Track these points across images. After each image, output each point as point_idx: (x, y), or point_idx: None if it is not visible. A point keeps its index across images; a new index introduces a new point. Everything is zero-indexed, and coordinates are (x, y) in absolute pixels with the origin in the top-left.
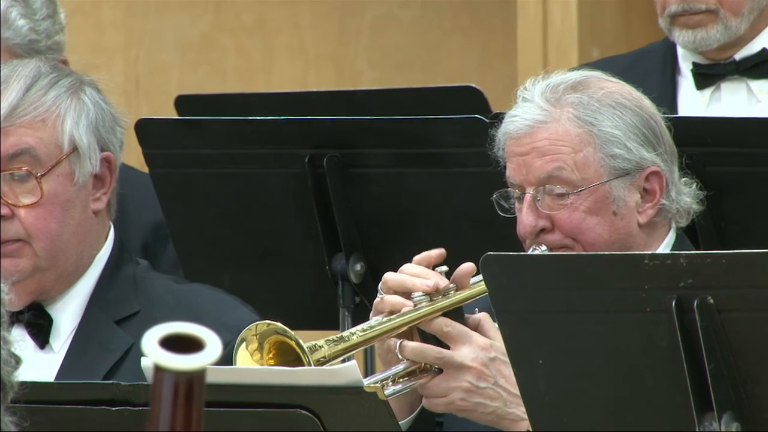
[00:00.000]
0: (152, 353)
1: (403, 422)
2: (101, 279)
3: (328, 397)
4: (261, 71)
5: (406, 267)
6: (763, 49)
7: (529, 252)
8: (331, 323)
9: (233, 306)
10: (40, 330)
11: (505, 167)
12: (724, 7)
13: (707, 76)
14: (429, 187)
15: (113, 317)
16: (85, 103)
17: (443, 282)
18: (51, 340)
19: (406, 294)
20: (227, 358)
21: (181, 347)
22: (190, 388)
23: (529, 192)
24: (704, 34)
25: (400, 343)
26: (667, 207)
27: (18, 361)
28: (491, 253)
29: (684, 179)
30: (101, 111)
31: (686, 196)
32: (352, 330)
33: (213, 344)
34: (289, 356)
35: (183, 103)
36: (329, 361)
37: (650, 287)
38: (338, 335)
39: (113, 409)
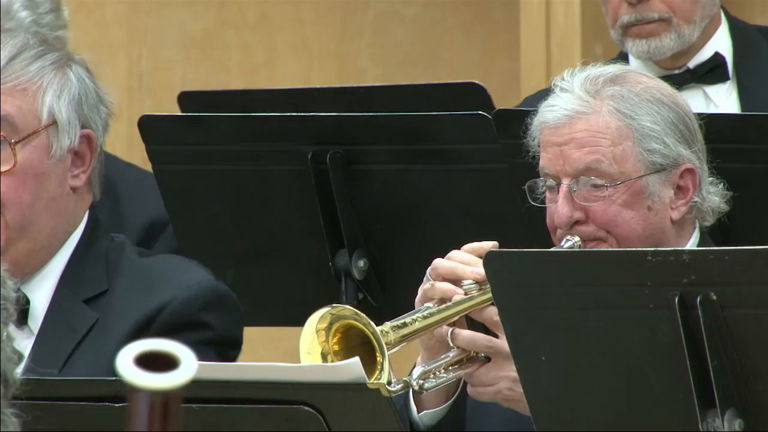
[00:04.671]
0: (127, 372)
1: (440, 408)
2: (73, 257)
3: (331, 394)
4: (264, 68)
5: (455, 254)
6: (716, 54)
7: (562, 243)
8: None
9: (189, 269)
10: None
11: (534, 157)
12: (677, 15)
13: None
14: (432, 183)
15: (82, 296)
16: (69, 79)
17: None
18: (29, 321)
19: (456, 281)
20: (178, 311)
21: (157, 365)
22: (166, 407)
23: (565, 183)
24: (658, 43)
25: (452, 331)
26: (699, 205)
27: (21, 357)
28: (494, 249)
29: (710, 178)
30: (85, 88)
31: (714, 195)
32: (413, 316)
33: (188, 362)
34: (353, 342)
35: (186, 99)
36: (394, 346)
37: (653, 284)
38: (401, 321)
39: (116, 405)
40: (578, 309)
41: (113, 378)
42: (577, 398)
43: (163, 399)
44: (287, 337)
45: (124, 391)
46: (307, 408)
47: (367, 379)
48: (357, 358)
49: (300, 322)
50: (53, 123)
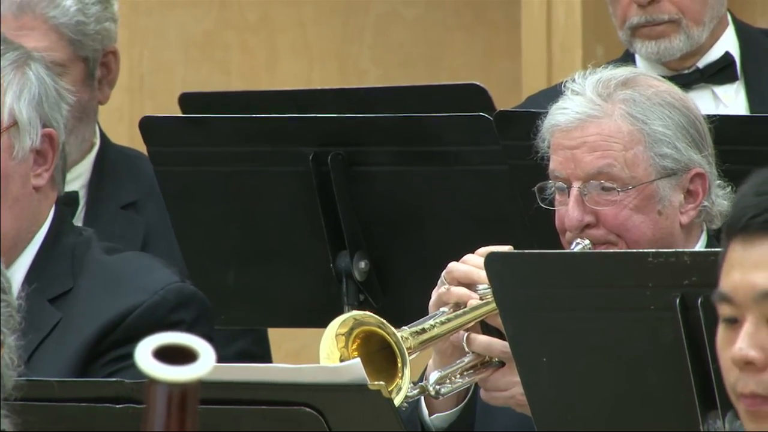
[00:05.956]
0: (145, 365)
1: (452, 412)
2: (38, 255)
3: (332, 395)
4: (265, 69)
5: (470, 258)
6: (726, 53)
7: (572, 246)
8: None
9: (154, 269)
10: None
11: (543, 158)
12: (687, 16)
13: None
14: (433, 184)
15: (47, 296)
16: (29, 78)
17: None
18: None
19: (471, 285)
20: (144, 317)
21: (174, 358)
22: (184, 400)
23: (576, 186)
24: (668, 44)
25: (468, 336)
26: (708, 209)
27: (18, 366)
28: (495, 251)
29: (718, 182)
30: (45, 87)
31: (722, 198)
32: (431, 322)
33: (206, 355)
34: (371, 348)
35: (187, 100)
36: (413, 352)
37: (654, 285)
38: (420, 327)
39: (117, 406)
40: (579, 310)
41: (114, 379)
42: (578, 399)
43: (182, 392)
44: (288, 339)
45: (124, 393)
46: (307, 409)
47: (368, 380)
48: (358, 359)
49: (301, 323)
50: (14, 124)
